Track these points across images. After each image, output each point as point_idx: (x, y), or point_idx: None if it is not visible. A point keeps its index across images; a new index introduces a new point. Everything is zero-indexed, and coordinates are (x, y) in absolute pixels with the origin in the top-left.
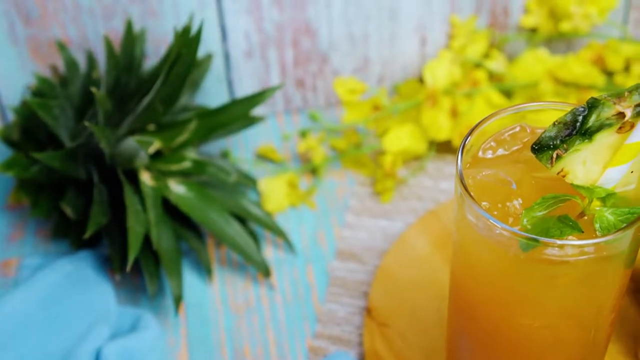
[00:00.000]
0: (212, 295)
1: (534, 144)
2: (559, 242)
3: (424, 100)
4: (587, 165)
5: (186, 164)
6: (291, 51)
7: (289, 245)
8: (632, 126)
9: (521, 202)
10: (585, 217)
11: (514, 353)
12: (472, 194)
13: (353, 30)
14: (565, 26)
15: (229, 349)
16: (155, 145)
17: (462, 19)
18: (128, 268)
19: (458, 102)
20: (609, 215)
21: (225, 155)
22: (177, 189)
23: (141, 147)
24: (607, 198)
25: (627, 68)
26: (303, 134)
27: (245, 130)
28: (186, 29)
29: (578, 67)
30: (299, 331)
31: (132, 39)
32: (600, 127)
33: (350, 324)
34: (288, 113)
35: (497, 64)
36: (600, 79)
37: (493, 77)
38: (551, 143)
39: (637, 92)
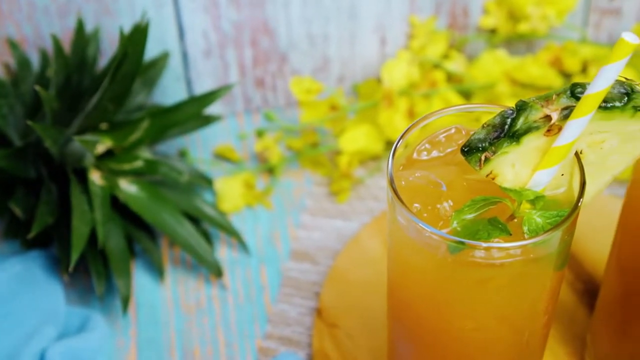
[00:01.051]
0: (163, 295)
1: (463, 146)
2: (484, 244)
3: (380, 100)
4: (516, 168)
5: (138, 163)
6: (250, 50)
7: (242, 246)
8: (559, 129)
9: (452, 204)
10: (515, 220)
11: (449, 356)
12: (401, 196)
13: (312, 30)
14: (523, 27)
15: (179, 350)
16: (106, 144)
17: (421, 20)
18: (70, 268)
19: (416, 102)
20: (537, 217)
21: (182, 154)
22: (128, 188)
23: (86, 147)
24: (536, 201)
25: (584, 70)
26: (260, 134)
27: (203, 130)
28: (137, 28)
29: (535, 68)
30: (249, 332)
31: (83, 38)
32: (527, 130)
33: (301, 324)
34: (248, 113)
35: (455, 64)
36: (557, 81)
37: (452, 78)
38: (480, 145)
39: (565, 96)
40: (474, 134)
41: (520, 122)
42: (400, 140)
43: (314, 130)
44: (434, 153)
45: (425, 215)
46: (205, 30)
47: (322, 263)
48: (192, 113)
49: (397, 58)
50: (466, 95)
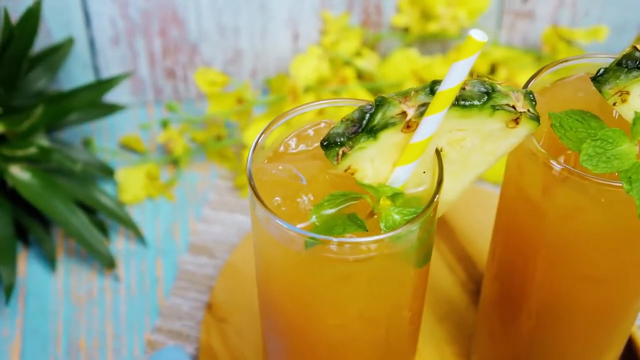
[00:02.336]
0: (54, 285)
1: (322, 140)
2: (335, 239)
3: (286, 95)
4: (376, 163)
5: (32, 150)
6: (159, 40)
7: (139, 237)
8: (416, 126)
9: (312, 198)
10: (376, 216)
11: (315, 352)
12: (263, 189)
13: (223, 21)
14: (433, 27)
15: (64, 341)
16: None
17: (334, 16)
18: None
19: (323, 98)
20: (395, 214)
21: (86, 143)
22: (21, 175)
23: None
24: (395, 197)
25: (493, 71)
26: (164, 124)
27: (110, 120)
28: (28, 11)
29: (444, 68)
30: (139, 324)
31: None
32: (385, 126)
33: (192, 318)
34: (159, 104)
35: (367, 62)
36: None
37: (363, 76)
38: (338, 140)
39: (424, 92)
40: (333, 128)
41: (378, 118)
42: (262, 136)
43: (220, 123)
44: (301, 147)
45: (284, 209)
46: (112, 18)
47: (219, 257)
48: (89, 100)
49: (307, 53)
50: (375, 92)
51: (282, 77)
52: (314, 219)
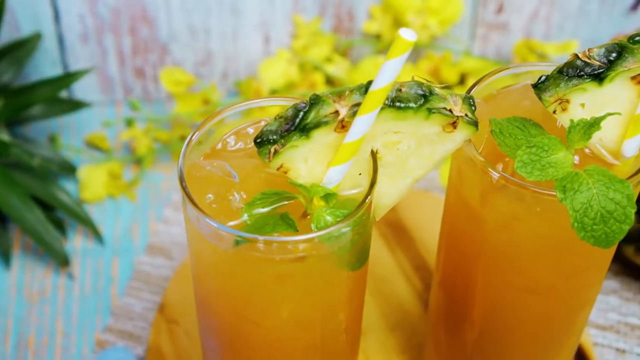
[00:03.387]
0: (8, 281)
1: (256, 137)
2: (261, 238)
3: (251, 98)
4: (309, 163)
5: None
6: (129, 38)
7: (97, 236)
8: (349, 126)
9: (245, 196)
10: (309, 217)
11: (249, 353)
12: (195, 186)
13: (193, 22)
14: None
15: (13, 338)
16: None
17: (306, 20)
18: None
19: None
20: (327, 215)
21: (52, 140)
22: None
23: None
24: (329, 198)
25: (462, 81)
26: (129, 123)
27: (77, 117)
28: None
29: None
30: (90, 324)
31: None
32: (318, 125)
33: (144, 319)
34: (129, 103)
35: (337, 68)
36: None
37: (332, 81)
38: (271, 137)
39: (359, 92)
40: (267, 125)
41: (311, 116)
42: (196, 134)
43: (185, 124)
44: (240, 144)
45: (215, 206)
46: (81, 14)
47: (176, 259)
48: (51, 94)
49: (275, 57)
50: None
51: (252, 80)
52: (245, 217)
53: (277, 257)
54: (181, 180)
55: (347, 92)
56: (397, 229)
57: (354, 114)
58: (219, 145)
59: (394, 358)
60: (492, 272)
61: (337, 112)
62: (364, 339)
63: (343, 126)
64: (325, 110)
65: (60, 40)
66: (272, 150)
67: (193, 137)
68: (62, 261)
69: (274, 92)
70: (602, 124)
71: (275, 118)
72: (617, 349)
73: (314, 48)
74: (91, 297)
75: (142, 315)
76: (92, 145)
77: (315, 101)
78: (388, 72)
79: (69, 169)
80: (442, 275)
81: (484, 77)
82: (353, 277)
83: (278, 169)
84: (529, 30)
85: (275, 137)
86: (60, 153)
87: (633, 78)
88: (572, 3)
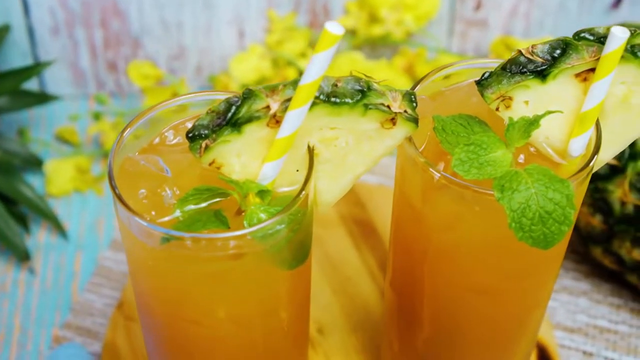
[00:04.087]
0: None
1: (187, 131)
2: (188, 235)
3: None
4: (243, 159)
5: None
6: (100, 32)
7: (61, 231)
8: (282, 120)
9: (178, 192)
10: (244, 214)
11: (187, 351)
12: (127, 181)
13: (166, 15)
14: (377, 30)
15: None
16: None
17: (280, 15)
18: None
19: None
20: (261, 212)
21: (21, 133)
22: None
23: None
24: (263, 195)
25: None
26: (96, 117)
27: (47, 110)
28: None
29: (387, 73)
30: (48, 319)
31: None
32: (249, 119)
33: (104, 316)
34: (95, 97)
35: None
36: (407, 86)
37: None
38: (202, 132)
39: (292, 87)
40: (199, 119)
41: (243, 111)
42: (128, 130)
43: None
44: (178, 139)
45: (146, 202)
46: (51, 7)
47: None
48: (11, 87)
49: (247, 51)
50: None
51: (224, 75)
52: (177, 213)
53: (208, 255)
54: (110, 175)
55: (280, 87)
56: (365, 227)
57: (286, 108)
58: (157, 140)
59: (354, 358)
60: (438, 273)
61: (268, 107)
62: (325, 339)
63: (277, 121)
64: (258, 104)
65: (31, 33)
66: (204, 145)
67: (124, 134)
68: (22, 256)
69: (245, 88)
70: (548, 122)
71: (207, 112)
72: (584, 352)
73: (289, 43)
74: (51, 292)
75: (102, 312)
76: (62, 139)
77: (248, 95)
78: (316, 66)
79: (36, 163)
80: (392, 275)
81: (428, 74)
82: (293, 276)
83: (210, 165)
84: (509, 27)
85: (206, 131)
86: (28, 147)
87: (577, 75)
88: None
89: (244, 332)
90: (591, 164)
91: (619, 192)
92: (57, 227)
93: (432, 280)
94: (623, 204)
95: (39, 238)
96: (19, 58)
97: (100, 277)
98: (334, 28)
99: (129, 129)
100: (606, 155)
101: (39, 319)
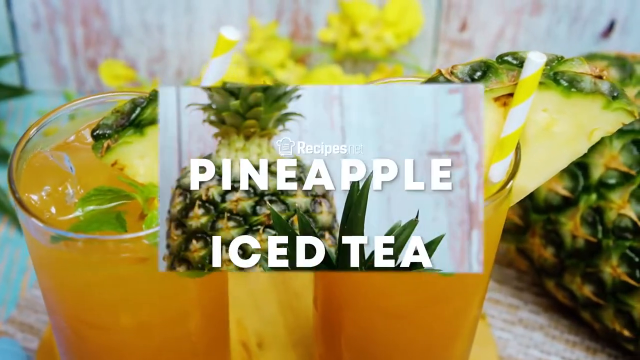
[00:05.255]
0: None
1: (93, 130)
2: (78, 236)
3: None
4: (147, 161)
5: None
6: (81, 29)
7: (19, 225)
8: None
9: (82, 192)
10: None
11: (91, 355)
12: (31, 178)
13: (146, 17)
14: (356, 45)
15: None
16: None
17: (261, 24)
18: None
19: None
20: None
21: None
22: None
23: None
24: None
25: None
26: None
27: (27, 105)
28: None
29: None
30: None
31: None
32: (153, 121)
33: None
34: (81, 94)
35: (289, 74)
36: None
37: None
38: (106, 132)
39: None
40: (104, 118)
41: (148, 112)
42: (34, 130)
43: None
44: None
45: (47, 198)
46: (33, 2)
47: None
48: None
49: None
50: None
51: (199, 80)
52: (79, 212)
53: (101, 258)
54: (9, 170)
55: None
56: None
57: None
58: (72, 138)
59: None
60: (352, 293)
61: None
62: (263, 353)
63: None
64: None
65: (12, 27)
66: (105, 145)
67: (31, 133)
68: None
69: None
70: None
71: (112, 112)
72: None
73: (269, 52)
74: (0, 287)
75: (46, 309)
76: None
77: (154, 97)
78: (214, 70)
79: (5, 157)
80: (315, 294)
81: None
82: (200, 284)
83: (113, 166)
84: (495, 50)
85: (109, 131)
86: None
87: (496, 99)
88: (540, 25)
89: (148, 341)
90: (507, 186)
91: (570, 225)
92: (16, 222)
93: (345, 301)
94: (574, 237)
95: None
96: (1, 51)
97: None
98: (230, 33)
99: (35, 127)
100: (532, 184)
101: None
